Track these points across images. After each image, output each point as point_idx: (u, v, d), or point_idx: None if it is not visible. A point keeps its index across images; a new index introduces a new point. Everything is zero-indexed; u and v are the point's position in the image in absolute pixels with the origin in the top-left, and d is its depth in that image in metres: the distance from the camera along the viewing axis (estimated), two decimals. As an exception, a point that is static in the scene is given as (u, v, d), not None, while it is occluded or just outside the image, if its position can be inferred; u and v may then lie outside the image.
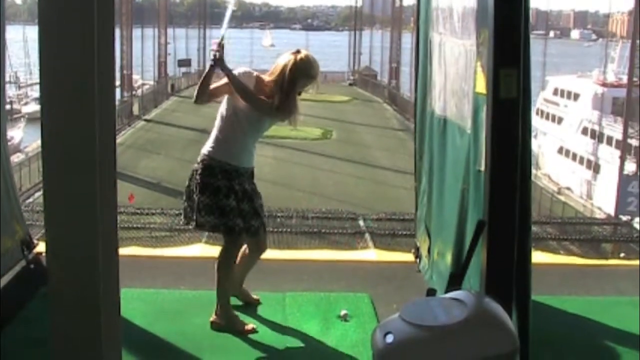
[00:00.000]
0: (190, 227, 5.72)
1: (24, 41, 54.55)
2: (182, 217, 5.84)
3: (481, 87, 4.76)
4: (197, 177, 5.53)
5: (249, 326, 5.72)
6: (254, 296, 6.15)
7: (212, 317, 5.74)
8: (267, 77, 5.58)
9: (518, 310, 4.31)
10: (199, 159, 5.57)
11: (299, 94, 5.59)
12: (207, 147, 5.57)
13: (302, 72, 5.50)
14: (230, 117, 5.54)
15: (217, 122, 5.62)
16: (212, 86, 5.53)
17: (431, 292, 2.97)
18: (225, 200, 5.49)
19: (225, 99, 5.58)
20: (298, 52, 5.55)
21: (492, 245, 4.22)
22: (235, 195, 5.51)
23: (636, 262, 7.63)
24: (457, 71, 5.65)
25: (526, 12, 4.23)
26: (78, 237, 3.07)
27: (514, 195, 4.18)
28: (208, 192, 5.49)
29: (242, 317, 5.86)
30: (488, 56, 4.28)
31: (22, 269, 6.61)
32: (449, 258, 5.61)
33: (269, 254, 7.27)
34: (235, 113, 5.51)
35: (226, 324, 5.71)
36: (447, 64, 6.00)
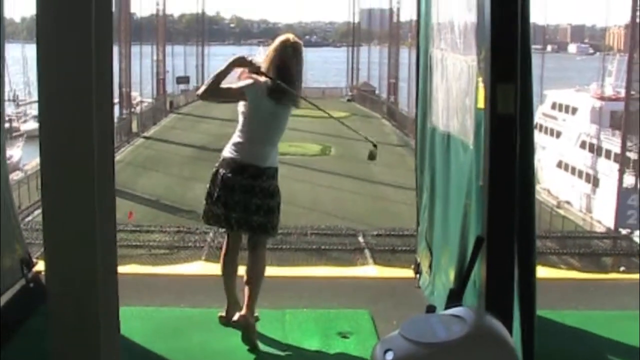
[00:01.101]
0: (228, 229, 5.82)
1: (23, 59, 54.66)
2: (212, 221, 5.85)
3: (483, 102, 4.77)
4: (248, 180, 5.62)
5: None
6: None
7: (243, 312, 5.68)
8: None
9: (522, 325, 4.30)
10: (240, 164, 5.65)
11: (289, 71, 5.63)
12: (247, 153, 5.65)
13: (281, 44, 5.66)
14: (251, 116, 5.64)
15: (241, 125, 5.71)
16: (223, 86, 5.58)
17: (431, 309, 2.96)
18: (271, 199, 5.66)
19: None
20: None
21: (491, 261, 4.21)
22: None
23: (636, 276, 7.61)
24: (460, 87, 5.65)
25: (526, 28, 4.24)
26: (77, 255, 3.06)
27: (512, 211, 4.17)
28: (261, 194, 5.62)
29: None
30: (485, 72, 4.29)
31: (21, 287, 6.59)
32: (451, 274, 5.59)
33: (269, 271, 7.26)
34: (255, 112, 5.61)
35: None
36: (450, 80, 6.01)
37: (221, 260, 5.92)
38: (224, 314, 5.92)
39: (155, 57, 61.69)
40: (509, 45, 4.10)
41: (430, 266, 6.60)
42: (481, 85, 4.82)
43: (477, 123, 4.94)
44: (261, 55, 5.92)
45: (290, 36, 5.77)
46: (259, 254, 5.81)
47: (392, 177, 32.16)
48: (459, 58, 5.66)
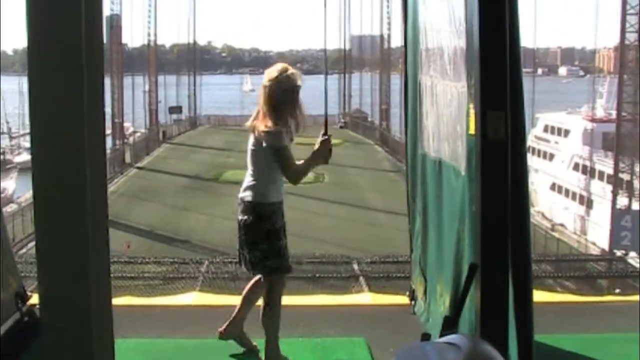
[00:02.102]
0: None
1: (19, 92, 54.79)
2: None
3: (474, 128, 4.78)
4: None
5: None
6: (254, 343, 6.10)
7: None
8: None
9: (520, 352, 4.28)
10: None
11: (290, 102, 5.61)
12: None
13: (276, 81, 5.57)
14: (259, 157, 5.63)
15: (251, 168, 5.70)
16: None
17: (425, 337, 2.95)
18: (284, 240, 5.65)
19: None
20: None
21: (485, 287, 4.21)
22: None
23: (632, 298, 7.61)
24: (451, 113, 5.67)
25: (517, 53, 4.25)
26: (71, 288, 3.05)
27: (505, 236, 4.17)
28: (272, 237, 5.59)
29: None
30: (475, 98, 4.30)
31: (15, 321, 6.56)
32: (446, 300, 5.58)
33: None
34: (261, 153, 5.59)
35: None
36: (440, 106, 6.03)
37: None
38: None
39: (147, 88, 61.87)
40: (498, 72, 4.12)
41: (425, 292, 6.59)
42: (472, 111, 4.83)
43: (469, 149, 4.95)
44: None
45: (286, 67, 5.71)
46: None
47: (385, 203, 32.19)
48: (449, 84, 5.68)
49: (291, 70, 5.62)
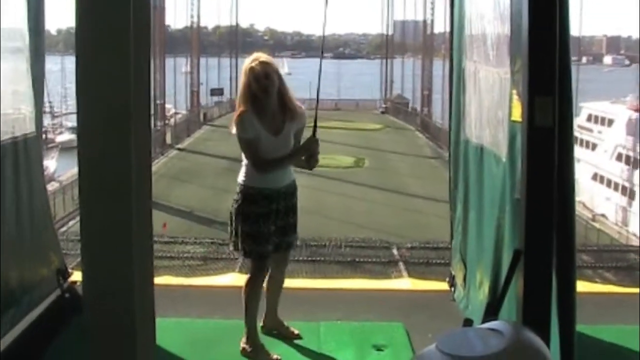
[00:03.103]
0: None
1: (62, 71, 55.27)
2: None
3: (517, 115, 4.74)
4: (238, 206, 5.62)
5: (274, 357, 5.72)
6: (295, 331, 6.12)
7: (242, 344, 5.75)
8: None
9: (562, 341, 4.26)
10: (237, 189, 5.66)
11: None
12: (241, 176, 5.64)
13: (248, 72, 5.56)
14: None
15: None
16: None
17: (468, 322, 2.94)
18: (263, 226, 5.58)
19: None
20: None
21: (528, 274, 4.18)
22: (272, 219, 5.63)
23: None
24: (492, 99, 5.63)
25: (565, 39, 4.20)
26: (114, 266, 3.07)
27: (550, 224, 4.13)
28: (249, 220, 5.58)
29: (278, 345, 5.86)
30: (523, 84, 4.26)
31: (57, 297, 6.65)
32: (485, 287, 5.56)
33: (303, 283, 7.27)
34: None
35: (251, 353, 5.72)
36: (482, 92, 5.99)
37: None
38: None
39: (185, 69, 62.09)
40: (547, 57, 4.07)
41: (464, 279, 6.57)
42: (515, 97, 4.79)
43: (511, 135, 4.92)
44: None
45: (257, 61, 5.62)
46: None
47: (425, 189, 32.07)
48: (491, 70, 5.65)
49: (264, 58, 5.58)
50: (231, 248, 5.86)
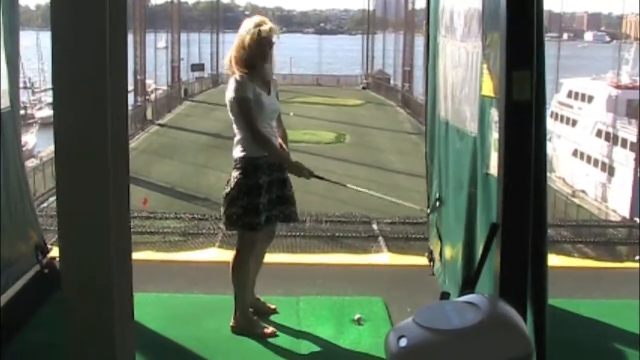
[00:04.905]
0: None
1: (38, 47, 54.81)
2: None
3: (488, 89, 4.74)
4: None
5: (269, 330, 5.72)
6: (271, 305, 6.12)
7: (232, 322, 5.74)
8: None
9: (534, 314, 4.29)
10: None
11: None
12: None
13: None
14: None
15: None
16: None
17: (445, 296, 2.96)
18: (263, 197, 5.55)
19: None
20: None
21: (505, 248, 4.19)
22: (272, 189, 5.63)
23: (652, 265, 7.57)
24: (457, 74, 5.64)
25: (539, 15, 4.20)
26: (91, 241, 3.07)
27: (527, 198, 4.14)
28: (253, 192, 5.52)
29: (256, 321, 5.88)
30: (500, 58, 4.25)
31: (36, 273, 6.63)
32: (460, 261, 5.59)
33: (283, 258, 7.28)
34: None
35: (246, 327, 5.70)
36: (448, 67, 6.00)
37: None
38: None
39: (161, 45, 61.77)
40: (524, 31, 4.06)
41: (441, 254, 6.60)
42: (486, 72, 4.80)
43: (482, 110, 4.93)
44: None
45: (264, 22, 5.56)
46: None
47: (406, 165, 32.13)
48: (458, 45, 5.65)
49: (269, 24, 5.49)
50: (223, 226, 5.75)
